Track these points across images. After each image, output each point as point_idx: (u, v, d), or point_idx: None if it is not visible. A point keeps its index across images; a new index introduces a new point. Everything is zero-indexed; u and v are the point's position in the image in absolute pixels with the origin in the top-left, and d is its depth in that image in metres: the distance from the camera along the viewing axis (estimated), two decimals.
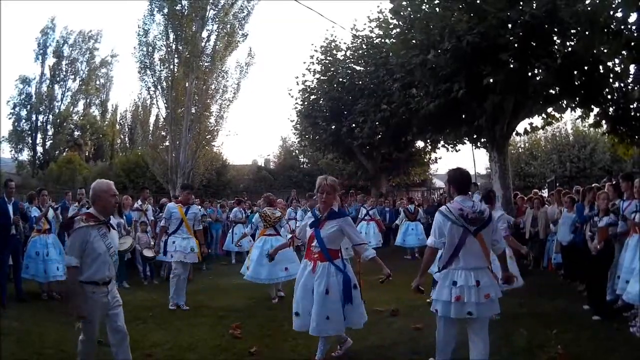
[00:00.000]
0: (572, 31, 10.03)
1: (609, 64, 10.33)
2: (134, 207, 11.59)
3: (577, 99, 11.12)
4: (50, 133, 37.85)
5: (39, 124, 37.16)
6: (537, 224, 10.99)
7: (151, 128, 30.32)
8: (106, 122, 42.24)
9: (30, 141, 37.02)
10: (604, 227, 6.84)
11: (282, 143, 36.81)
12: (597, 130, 14.37)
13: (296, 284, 5.08)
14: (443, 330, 4.49)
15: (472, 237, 4.33)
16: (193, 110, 25.13)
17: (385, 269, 4.87)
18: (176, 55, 24.68)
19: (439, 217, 4.44)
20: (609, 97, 11.03)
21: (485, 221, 4.41)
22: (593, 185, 9.05)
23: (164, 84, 24.86)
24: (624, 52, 9.46)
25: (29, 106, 36.50)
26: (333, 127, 18.77)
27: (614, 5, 8.95)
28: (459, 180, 4.59)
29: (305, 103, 19.73)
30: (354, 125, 17.76)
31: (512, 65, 10.26)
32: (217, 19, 25.07)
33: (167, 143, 26.35)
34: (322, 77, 19.12)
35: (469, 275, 4.28)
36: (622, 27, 9.02)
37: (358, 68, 18.63)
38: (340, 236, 4.95)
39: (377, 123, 16.64)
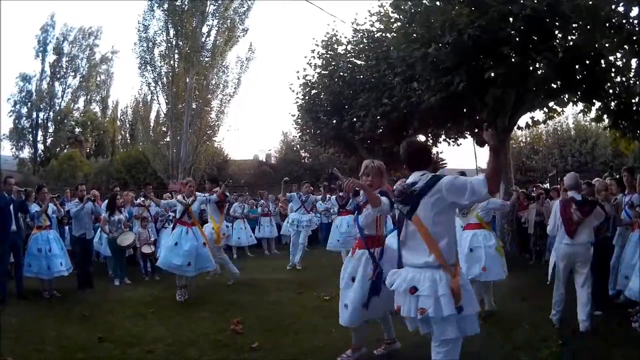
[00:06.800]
0: (574, 25, 9.96)
1: (611, 58, 10.27)
2: (136, 203, 11.60)
3: (579, 93, 11.07)
4: (50, 130, 38.02)
5: (40, 121, 37.27)
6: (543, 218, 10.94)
7: (152, 124, 30.35)
8: (107, 119, 42.31)
9: (31, 138, 37.12)
10: None
11: (284, 138, 36.79)
12: (598, 124, 14.27)
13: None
14: None
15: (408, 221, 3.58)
16: (194, 106, 25.16)
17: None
18: (176, 51, 24.70)
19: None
20: (611, 91, 10.97)
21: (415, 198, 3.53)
22: (593, 180, 9.02)
23: (165, 79, 24.90)
24: (625, 46, 9.41)
25: (29, 103, 36.61)
26: (334, 121, 18.69)
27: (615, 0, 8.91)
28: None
29: (306, 97, 19.65)
30: (355, 119, 17.67)
31: (513, 59, 10.20)
32: (217, 14, 25.08)
33: (168, 139, 26.42)
34: (323, 72, 19.02)
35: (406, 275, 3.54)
36: (624, 21, 8.98)
37: (359, 62, 18.51)
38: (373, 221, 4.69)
39: (378, 117, 16.54)
